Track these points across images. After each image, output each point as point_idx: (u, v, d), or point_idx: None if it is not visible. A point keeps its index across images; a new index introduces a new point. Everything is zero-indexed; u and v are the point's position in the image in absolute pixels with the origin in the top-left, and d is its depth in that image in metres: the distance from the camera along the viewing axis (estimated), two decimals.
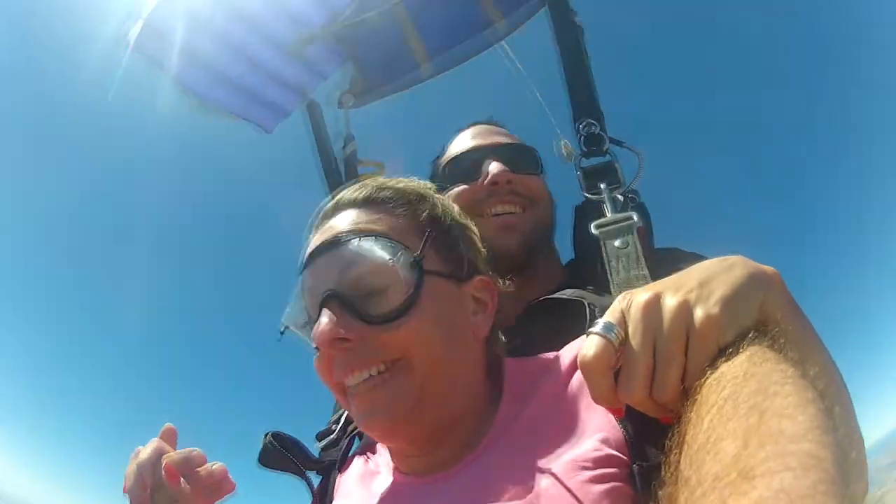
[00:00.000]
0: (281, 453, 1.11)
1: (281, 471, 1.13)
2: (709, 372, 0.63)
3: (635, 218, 1.07)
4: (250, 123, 2.38)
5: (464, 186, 1.35)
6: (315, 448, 1.22)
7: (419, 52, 2.16)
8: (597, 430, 0.78)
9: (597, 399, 0.74)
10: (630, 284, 0.95)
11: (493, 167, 1.33)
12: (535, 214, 1.37)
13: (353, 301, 0.82)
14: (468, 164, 1.39)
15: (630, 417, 0.76)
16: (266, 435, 1.13)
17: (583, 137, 1.28)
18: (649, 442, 0.73)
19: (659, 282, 0.77)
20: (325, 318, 0.81)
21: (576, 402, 0.82)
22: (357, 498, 0.95)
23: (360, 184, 0.96)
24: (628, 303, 0.74)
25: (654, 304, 0.71)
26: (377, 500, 0.89)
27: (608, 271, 1.00)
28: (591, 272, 1.12)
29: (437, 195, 0.99)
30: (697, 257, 1.12)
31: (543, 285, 1.33)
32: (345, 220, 0.89)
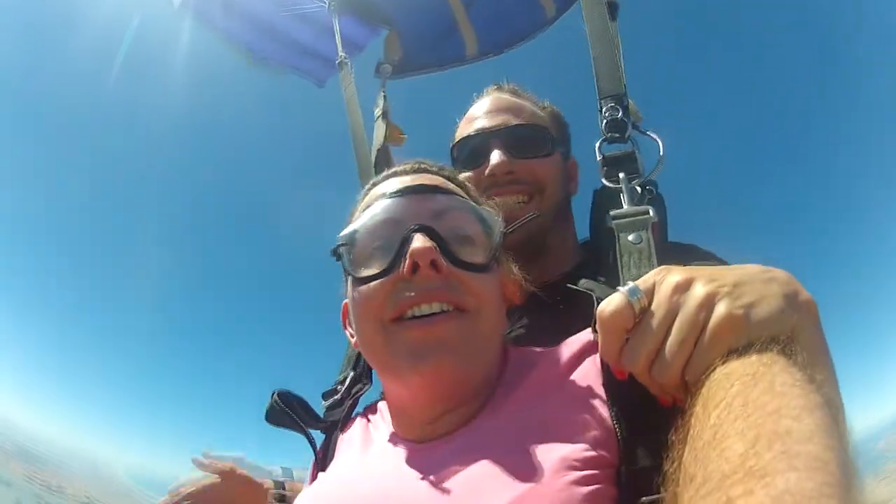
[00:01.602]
0: (285, 412, 1.14)
1: (285, 428, 1.16)
2: (718, 366, 0.63)
3: (651, 213, 1.03)
4: (302, 76, 2.40)
5: (469, 174, 1.34)
6: (321, 407, 1.24)
7: (469, 38, 2.14)
8: (588, 427, 0.76)
9: (603, 354, 0.77)
10: None
11: (493, 158, 1.32)
12: (540, 203, 1.33)
13: (448, 241, 0.85)
14: (471, 151, 1.38)
15: (626, 413, 0.76)
16: (273, 393, 1.16)
17: (605, 122, 1.21)
18: (641, 443, 0.73)
19: (697, 268, 0.76)
20: (422, 240, 0.82)
21: (571, 395, 0.81)
22: (354, 460, 0.98)
23: (429, 161, 1.03)
24: (662, 277, 0.75)
25: (683, 287, 0.71)
26: (371, 462, 0.92)
27: (619, 266, 0.99)
28: (605, 259, 1.10)
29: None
30: (712, 257, 1.10)
31: (555, 263, 1.34)
32: (433, 179, 0.96)
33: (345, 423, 1.16)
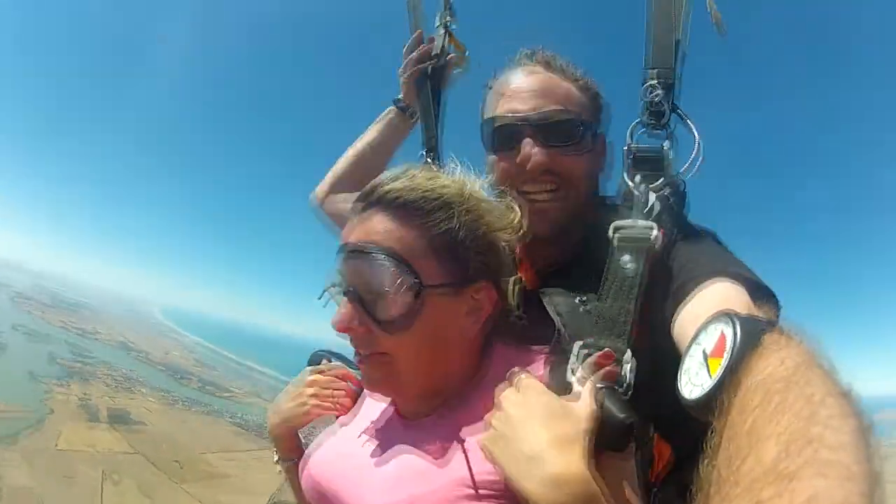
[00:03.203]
0: (322, 354, 1.45)
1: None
2: (755, 371, 0.66)
3: (654, 236, 1.05)
4: None
5: (498, 158, 1.32)
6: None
7: None
8: None
9: None
10: (611, 319, 0.99)
11: (525, 149, 1.26)
12: (569, 195, 1.29)
13: (366, 302, 1.00)
14: (502, 135, 1.31)
15: None
16: (312, 355, 1.46)
17: (645, 104, 1.18)
18: None
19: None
20: (343, 309, 1.01)
21: None
22: (365, 416, 1.21)
23: (398, 176, 1.07)
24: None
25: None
26: (372, 424, 1.16)
27: (602, 285, 1.03)
28: (605, 251, 1.12)
29: (465, 198, 1.07)
30: (722, 253, 1.13)
31: (571, 243, 1.31)
32: (370, 225, 1.03)
33: None
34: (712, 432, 0.64)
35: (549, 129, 1.26)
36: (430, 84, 1.71)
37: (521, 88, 1.31)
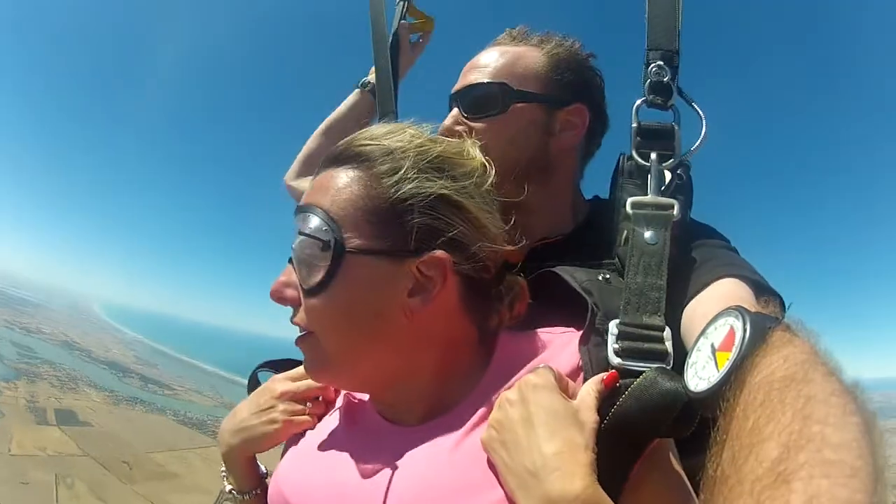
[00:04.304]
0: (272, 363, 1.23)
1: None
2: (760, 368, 0.64)
3: (676, 209, 1.01)
4: None
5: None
6: None
7: None
8: None
9: None
10: (643, 295, 0.91)
11: (446, 122, 1.33)
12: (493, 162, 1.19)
13: (299, 269, 0.90)
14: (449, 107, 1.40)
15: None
16: (254, 371, 1.25)
17: (649, 82, 1.13)
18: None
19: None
20: (282, 275, 0.93)
21: None
22: (341, 427, 1.01)
23: (349, 137, 0.98)
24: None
25: None
26: (354, 433, 0.98)
27: (626, 265, 0.97)
28: (610, 232, 1.11)
29: (417, 148, 0.93)
30: (725, 246, 1.13)
31: (544, 224, 1.29)
32: (315, 184, 0.95)
33: None
34: (717, 429, 0.63)
35: (470, 100, 1.30)
36: (391, 52, 1.64)
37: (468, 67, 1.36)
